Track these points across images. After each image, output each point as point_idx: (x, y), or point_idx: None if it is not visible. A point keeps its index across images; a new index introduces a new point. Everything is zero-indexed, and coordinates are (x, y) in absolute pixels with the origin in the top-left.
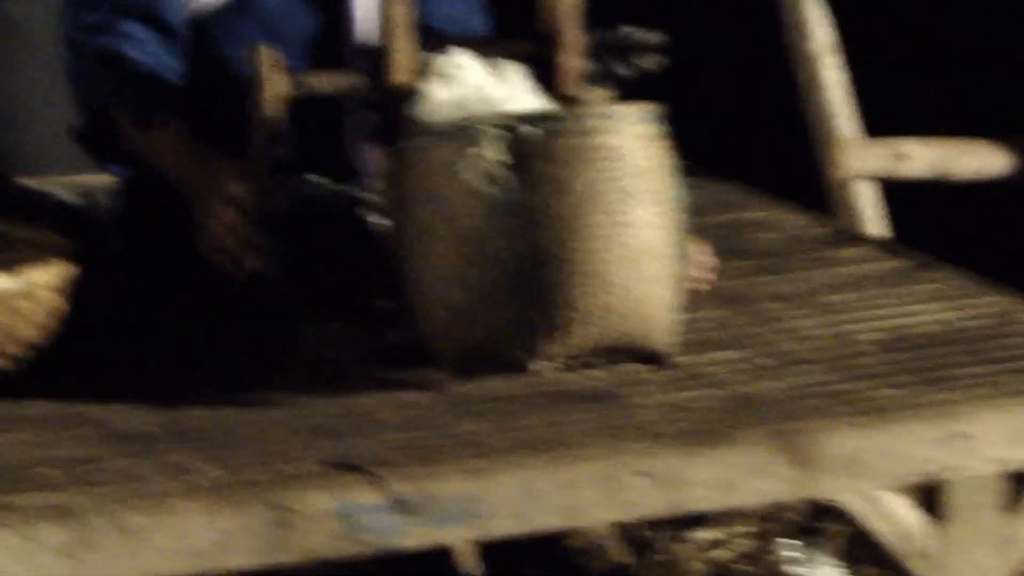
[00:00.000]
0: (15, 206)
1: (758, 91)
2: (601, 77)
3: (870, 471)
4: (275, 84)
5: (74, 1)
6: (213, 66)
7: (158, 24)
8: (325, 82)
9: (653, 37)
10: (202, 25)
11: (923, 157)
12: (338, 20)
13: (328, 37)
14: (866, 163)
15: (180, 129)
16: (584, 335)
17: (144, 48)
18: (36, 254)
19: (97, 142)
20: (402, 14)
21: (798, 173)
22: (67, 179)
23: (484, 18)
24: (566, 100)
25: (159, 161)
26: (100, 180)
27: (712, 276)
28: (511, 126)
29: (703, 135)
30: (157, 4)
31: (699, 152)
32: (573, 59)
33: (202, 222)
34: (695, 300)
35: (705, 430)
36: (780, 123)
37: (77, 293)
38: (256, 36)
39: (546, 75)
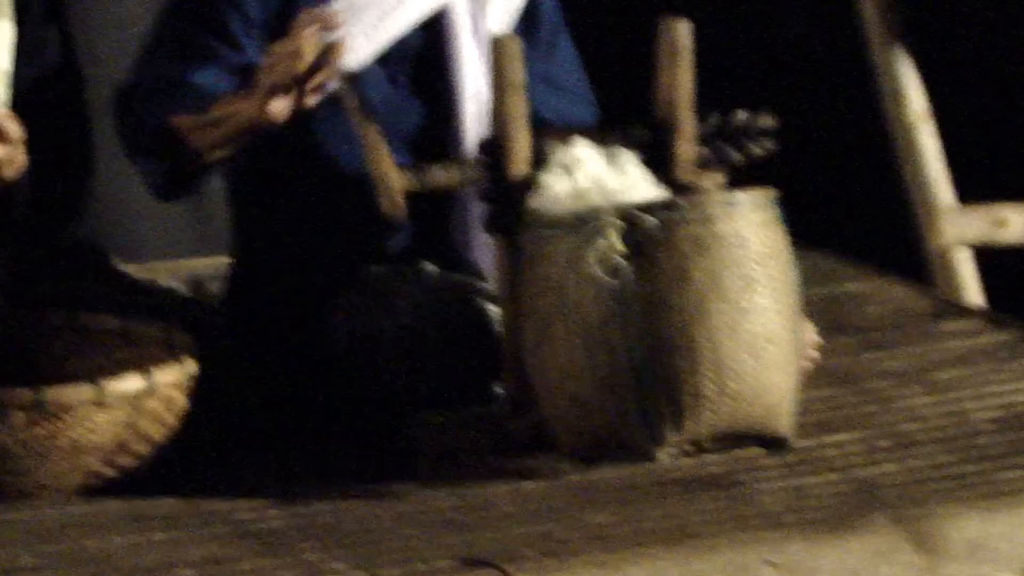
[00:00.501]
0: (132, 300)
1: (848, 161)
2: (714, 162)
3: (996, 557)
4: (393, 177)
5: (128, 78)
6: (312, 162)
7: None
8: (442, 176)
9: (766, 121)
10: (303, 120)
11: (1022, 223)
12: (446, 114)
13: (435, 132)
14: (965, 231)
15: None
16: (707, 422)
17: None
18: (159, 351)
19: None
20: (518, 105)
21: (890, 242)
22: (173, 264)
23: (589, 110)
24: (682, 187)
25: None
26: (207, 265)
27: (817, 355)
28: (631, 216)
29: (795, 205)
30: (208, 88)
31: (792, 222)
32: (688, 145)
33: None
34: (804, 380)
35: (829, 517)
36: (871, 192)
37: (198, 390)
38: (355, 131)
39: (660, 161)
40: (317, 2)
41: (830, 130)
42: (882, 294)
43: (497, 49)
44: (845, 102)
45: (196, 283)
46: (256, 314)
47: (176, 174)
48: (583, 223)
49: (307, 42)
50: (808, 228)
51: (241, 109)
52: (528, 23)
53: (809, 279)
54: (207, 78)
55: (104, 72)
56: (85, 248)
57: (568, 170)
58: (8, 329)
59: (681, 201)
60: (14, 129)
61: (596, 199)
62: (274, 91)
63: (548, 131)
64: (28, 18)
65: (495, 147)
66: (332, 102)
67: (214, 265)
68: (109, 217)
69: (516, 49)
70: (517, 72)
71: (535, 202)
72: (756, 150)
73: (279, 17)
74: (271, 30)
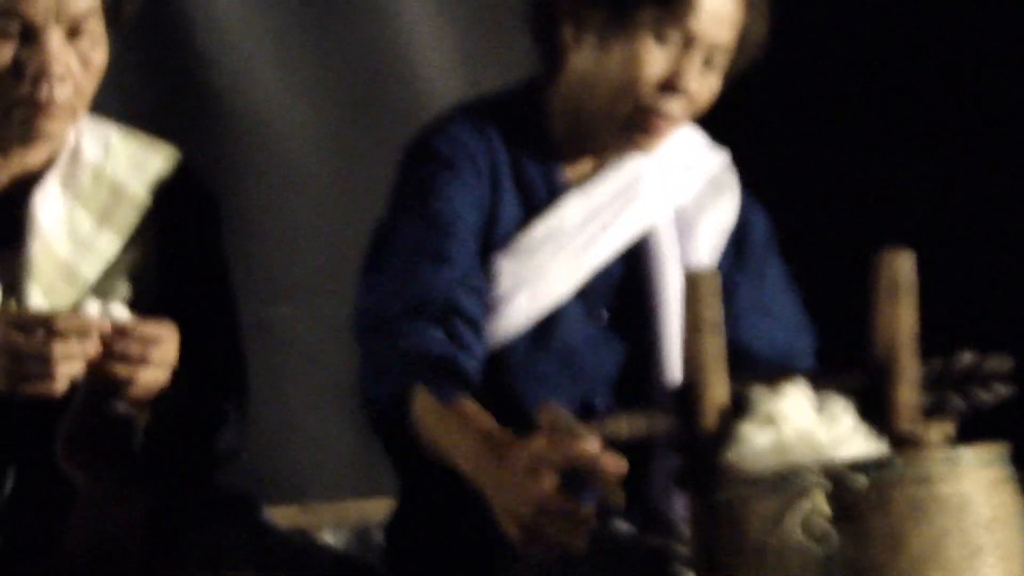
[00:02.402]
0: (285, 560)
1: None
2: (940, 411)
3: None
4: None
5: (363, 308)
6: (505, 405)
7: (456, 319)
8: (624, 427)
9: (1001, 364)
10: (497, 358)
11: None
12: (647, 354)
13: (636, 373)
14: None
15: (476, 407)
16: None
17: (434, 339)
18: None
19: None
20: (713, 346)
21: None
22: (338, 507)
23: (808, 340)
24: (902, 438)
25: (451, 446)
26: (375, 509)
27: None
28: (840, 475)
29: None
30: (456, 302)
31: None
32: (910, 392)
33: (508, 508)
34: None
35: None
36: None
37: None
38: (556, 374)
39: (879, 410)
40: (518, 216)
41: None
42: None
43: (690, 285)
44: None
45: (361, 532)
46: (418, 566)
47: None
48: (785, 482)
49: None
50: None
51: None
52: (738, 247)
53: None
54: (471, 301)
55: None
56: (236, 493)
57: (772, 420)
58: None
59: (896, 459)
60: (170, 333)
61: (802, 454)
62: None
63: (753, 375)
64: (180, 236)
65: (687, 393)
66: (526, 342)
67: (384, 510)
68: (266, 454)
69: (713, 286)
70: (713, 311)
71: (733, 456)
72: (987, 397)
73: (484, 235)
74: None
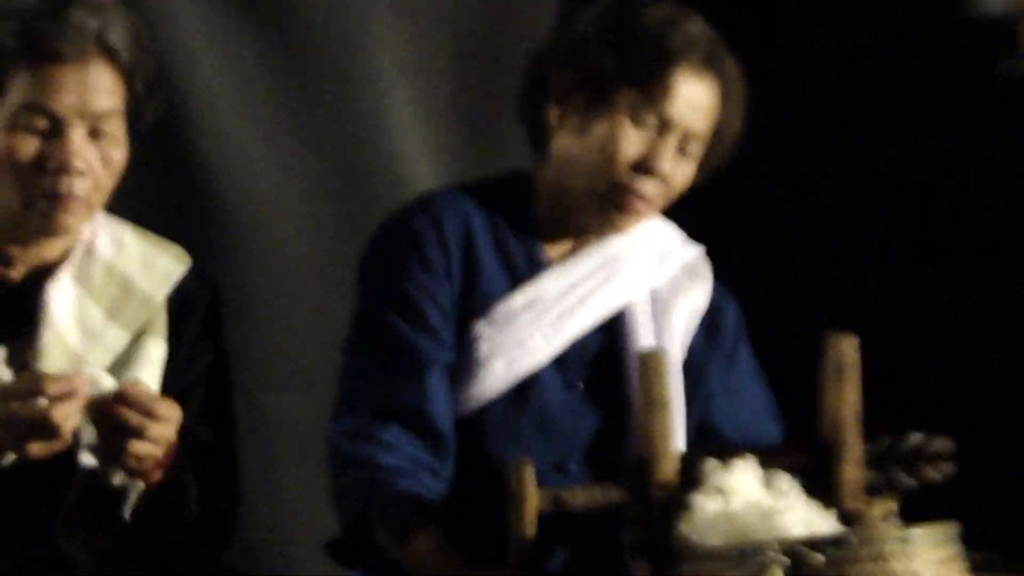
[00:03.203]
0: None
1: None
2: (884, 488)
3: None
4: (529, 501)
5: (340, 401)
6: (482, 464)
7: (423, 428)
8: (580, 497)
9: (943, 445)
10: (474, 419)
11: None
12: (621, 423)
13: (610, 440)
14: None
15: (439, 539)
16: None
17: (403, 456)
18: None
19: (355, 550)
20: (664, 423)
21: None
22: None
23: (774, 425)
24: (847, 516)
25: (418, 572)
26: None
27: None
28: (798, 552)
29: (979, 538)
30: (423, 407)
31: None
32: (854, 470)
33: None
34: None
35: None
36: None
37: None
38: (531, 435)
39: (824, 486)
40: (496, 294)
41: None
42: None
43: (643, 363)
44: None
45: None
46: None
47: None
48: (745, 557)
49: None
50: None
51: None
52: (710, 333)
53: None
54: (439, 404)
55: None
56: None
57: (721, 493)
58: None
59: (851, 537)
60: (173, 411)
61: (751, 525)
62: None
63: (706, 450)
64: (185, 335)
65: (639, 467)
66: (504, 403)
67: None
68: (260, 537)
69: (664, 364)
70: (664, 389)
71: (684, 526)
72: (932, 475)
73: (459, 307)
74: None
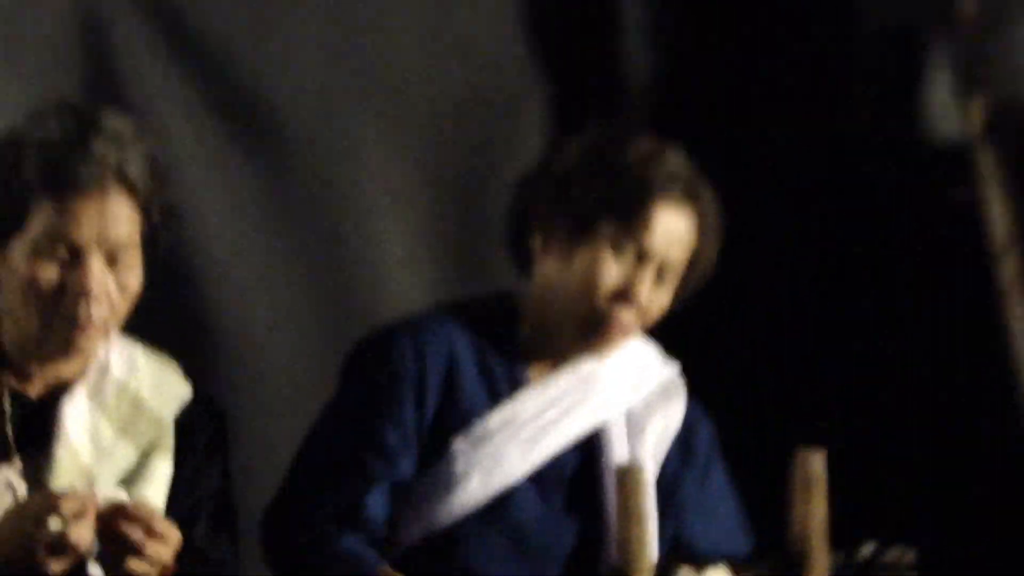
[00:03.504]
0: None
1: None
2: None
3: None
4: None
5: (286, 487)
6: None
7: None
8: None
9: (904, 555)
10: (450, 534)
11: None
12: (597, 538)
13: (586, 555)
14: None
15: None
16: None
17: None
18: None
19: None
20: (640, 537)
21: None
22: None
23: (743, 541)
24: None
25: None
26: None
27: None
28: None
29: None
30: (359, 517)
31: None
32: None
33: None
34: None
35: None
36: None
37: None
38: (507, 550)
39: None
40: (476, 412)
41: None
42: None
43: (621, 478)
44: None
45: None
46: None
47: None
48: None
49: None
50: None
51: None
52: (684, 450)
53: None
54: (377, 506)
55: None
56: None
57: None
58: None
59: None
60: (172, 532)
61: None
62: None
63: (679, 559)
64: (190, 455)
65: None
66: (476, 517)
67: None
68: None
69: (640, 478)
70: (641, 501)
71: None
72: None
73: (433, 427)
74: (426, 440)
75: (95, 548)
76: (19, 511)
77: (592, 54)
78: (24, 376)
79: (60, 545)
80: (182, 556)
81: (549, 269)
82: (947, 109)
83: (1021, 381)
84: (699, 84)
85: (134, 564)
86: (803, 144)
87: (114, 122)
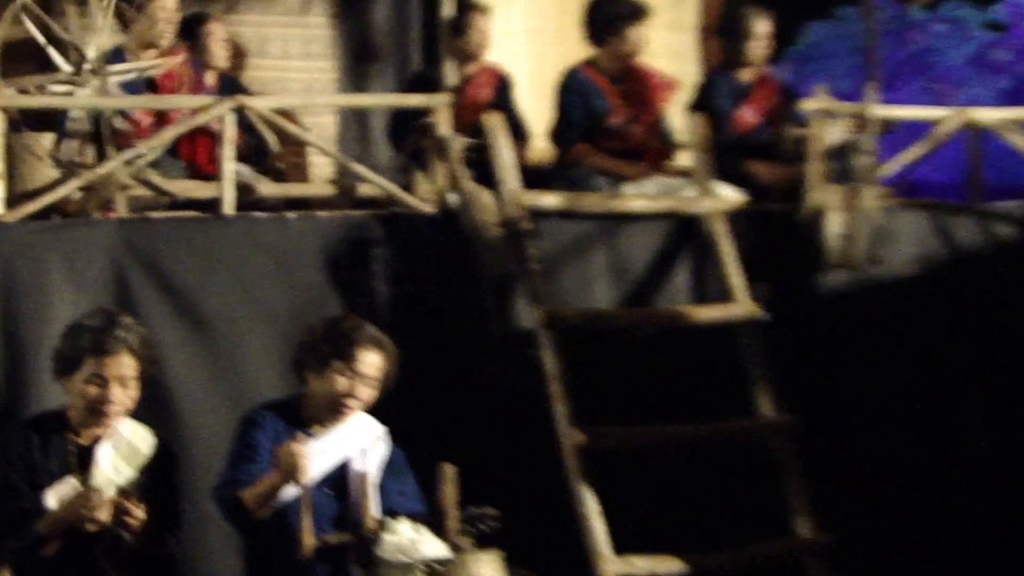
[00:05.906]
0: None
1: None
2: (466, 532)
3: None
4: (307, 536)
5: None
6: (273, 531)
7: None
8: (334, 538)
9: (488, 512)
10: (278, 514)
11: None
12: (347, 504)
13: (344, 515)
14: None
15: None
16: None
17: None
18: None
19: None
20: (369, 504)
21: None
22: None
23: (421, 507)
24: (453, 547)
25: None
26: None
27: None
28: (429, 565)
29: None
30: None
31: None
32: (455, 524)
33: None
34: None
35: None
36: None
37: None
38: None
39: (440, 534)
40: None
41: None
42: None
43: (361, 479)
44: None
45: None
46: None
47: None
48: (405, 567)
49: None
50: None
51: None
52: (388, 463)
53: None
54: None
55: None
56: None
57: (395, 532)
58: None
59: (454, 558)
60: (142, 513)
61: (407, 549)
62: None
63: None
64: (156, 472)
65: (358, 525)
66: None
67: None
68: None
69: (367, 479)
70: (368, 489)
71: (378, 551)
72: (483, 528)
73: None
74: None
75: (109, 520)
76: (75, 500)
77: None
78: (78, 433)
79: (95, 520)
80: (147, 530)
81: (315, 383)
82: None
83: None
84: None
85: (128, 520)
86: None
87: (127, 320)
